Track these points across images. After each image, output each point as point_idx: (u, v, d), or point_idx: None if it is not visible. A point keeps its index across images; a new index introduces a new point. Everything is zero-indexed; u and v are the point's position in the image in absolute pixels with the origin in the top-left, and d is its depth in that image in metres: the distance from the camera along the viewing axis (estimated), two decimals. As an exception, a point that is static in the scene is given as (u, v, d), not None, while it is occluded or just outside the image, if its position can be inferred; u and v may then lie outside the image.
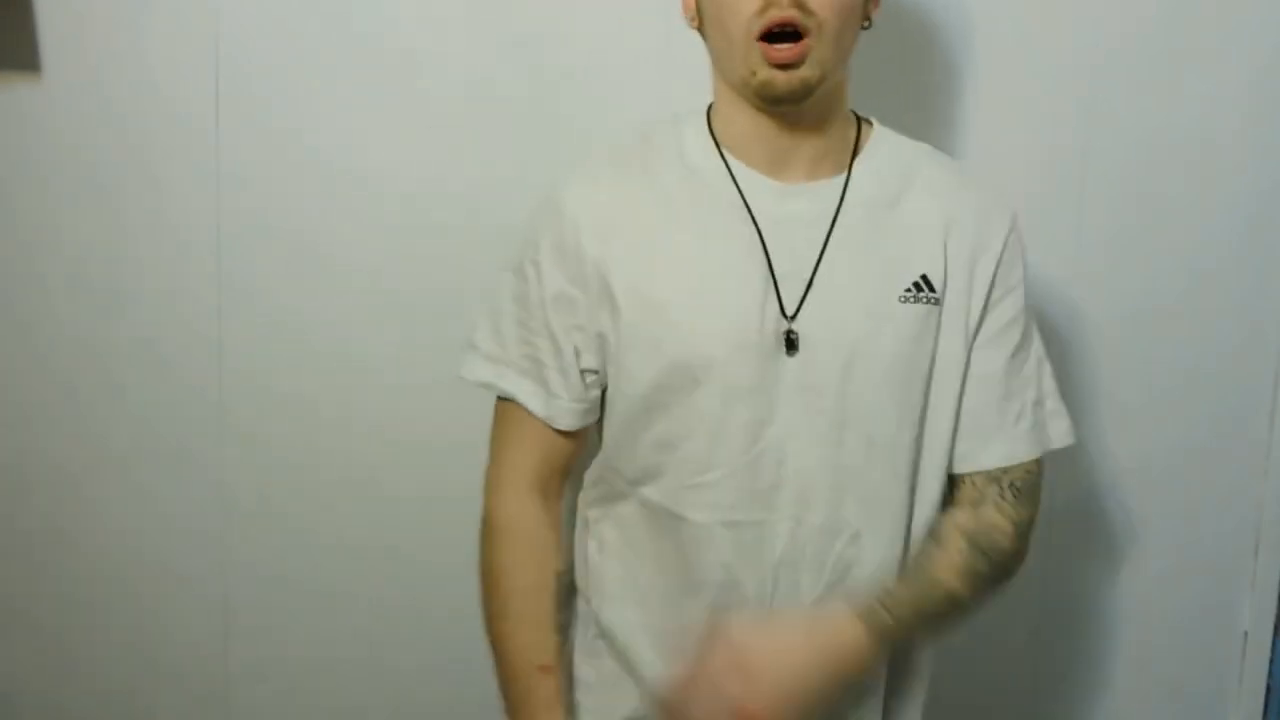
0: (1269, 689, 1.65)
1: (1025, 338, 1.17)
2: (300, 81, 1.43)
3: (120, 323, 1.48)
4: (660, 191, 1.13)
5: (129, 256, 1.47)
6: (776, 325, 1.09)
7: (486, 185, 1.46)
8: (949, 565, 1.11)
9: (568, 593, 1.21)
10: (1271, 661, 1.65)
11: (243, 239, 1.46)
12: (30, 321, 1.49)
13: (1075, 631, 1.63)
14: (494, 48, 1.43)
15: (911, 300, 1.11)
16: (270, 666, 1.56)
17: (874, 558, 1.12)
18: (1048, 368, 1.20)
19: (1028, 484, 1.16)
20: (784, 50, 1.04)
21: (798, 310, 1.10)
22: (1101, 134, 1.51)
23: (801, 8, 1.03)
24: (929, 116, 1.49)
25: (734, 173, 1.13)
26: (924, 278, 1.11)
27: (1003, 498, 1.15)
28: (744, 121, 1.12)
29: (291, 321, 1.48)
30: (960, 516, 1.14)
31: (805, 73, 1.05)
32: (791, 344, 1.09)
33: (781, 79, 1.05)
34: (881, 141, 1.17)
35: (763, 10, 1.04)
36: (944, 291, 1.12)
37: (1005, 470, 1.15)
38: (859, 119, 1.18)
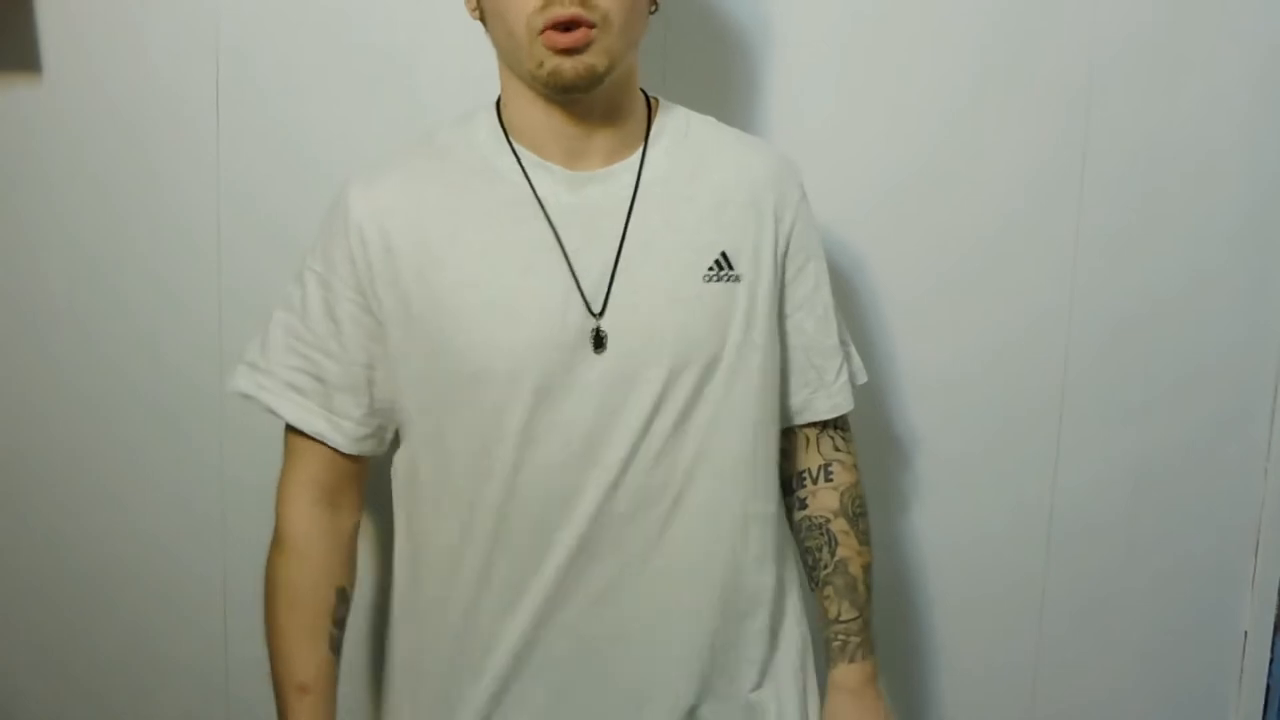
0: (1269, 689, 1.65)
1: (828, 294, 1.21)
2: (300, 81, 1.43)
3: (121, 322, 1.48)
4: (451, 190, 1.10)
5: (129, 256, 1.47)
6: (582, 323, 1.07)
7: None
8: (855, 551, 1.21)
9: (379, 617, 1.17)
10: (1271, 661, 1.65)
11: (243, 239, 1.46)
12: (31, 321, 1.49)
13: (1075, 631, 1.63)
14: (493, 48, 1.43)
15: (714, 279, 1.10)
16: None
17: (696, 541, 1.11)
18: (839, 314, 1.24)
19: (847, 425, 1.26)
20: (567, 36, 1.01)
21: (604, 307, 1.07)
22: (1101, 134, 1.51)
23: (584, 4, 1.01)
24: (930, 116, 1.50)
25: (525, 165, 1.10)
26: (724, 255, 1.11)
27: (836, 448, 1.24)
28: (535, 113, 1.09)
29: (291, 321, 1.48)
30: (826, 501, 1.22)
31: (592, 59, 1.03)
32: (600, 342, 1.07)
33: (568, 65, 1.03)
34: (670, 118, 1.15)
35: (544, 7, 1.01)
36: (747, 265, 1.12)
37: (830, 420, 1.23)
38: (647, 97, 1.16)
